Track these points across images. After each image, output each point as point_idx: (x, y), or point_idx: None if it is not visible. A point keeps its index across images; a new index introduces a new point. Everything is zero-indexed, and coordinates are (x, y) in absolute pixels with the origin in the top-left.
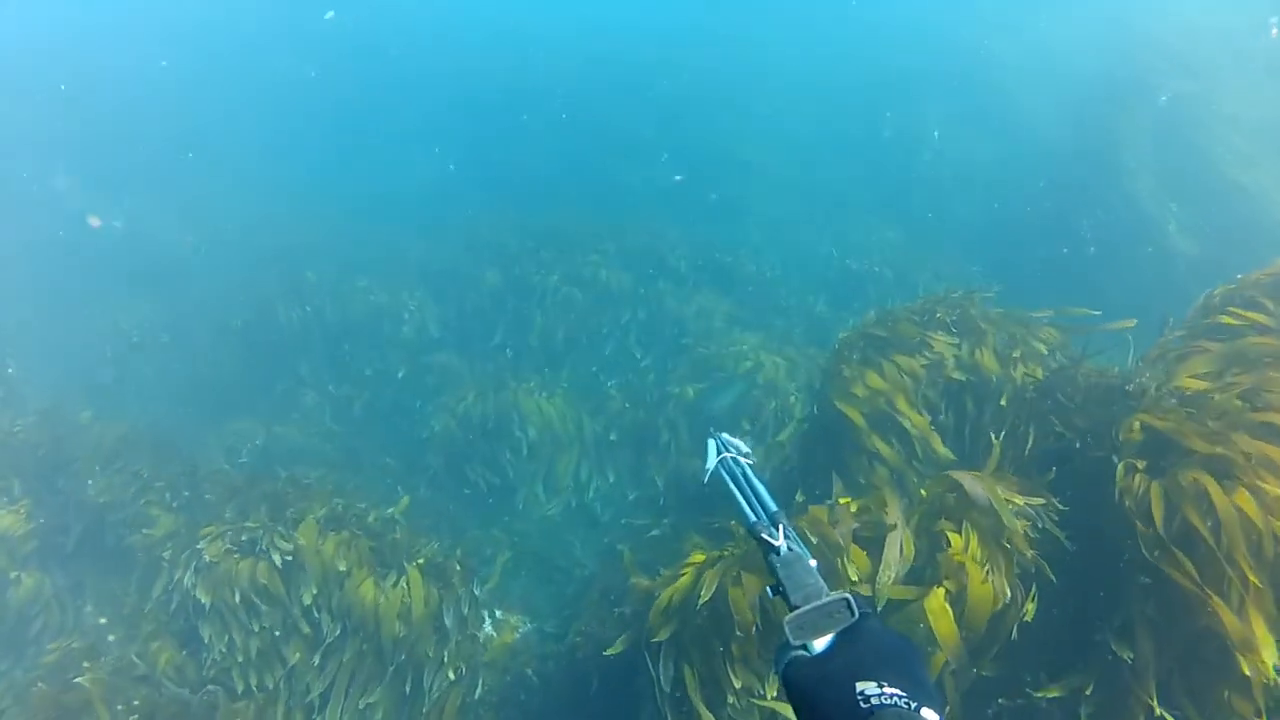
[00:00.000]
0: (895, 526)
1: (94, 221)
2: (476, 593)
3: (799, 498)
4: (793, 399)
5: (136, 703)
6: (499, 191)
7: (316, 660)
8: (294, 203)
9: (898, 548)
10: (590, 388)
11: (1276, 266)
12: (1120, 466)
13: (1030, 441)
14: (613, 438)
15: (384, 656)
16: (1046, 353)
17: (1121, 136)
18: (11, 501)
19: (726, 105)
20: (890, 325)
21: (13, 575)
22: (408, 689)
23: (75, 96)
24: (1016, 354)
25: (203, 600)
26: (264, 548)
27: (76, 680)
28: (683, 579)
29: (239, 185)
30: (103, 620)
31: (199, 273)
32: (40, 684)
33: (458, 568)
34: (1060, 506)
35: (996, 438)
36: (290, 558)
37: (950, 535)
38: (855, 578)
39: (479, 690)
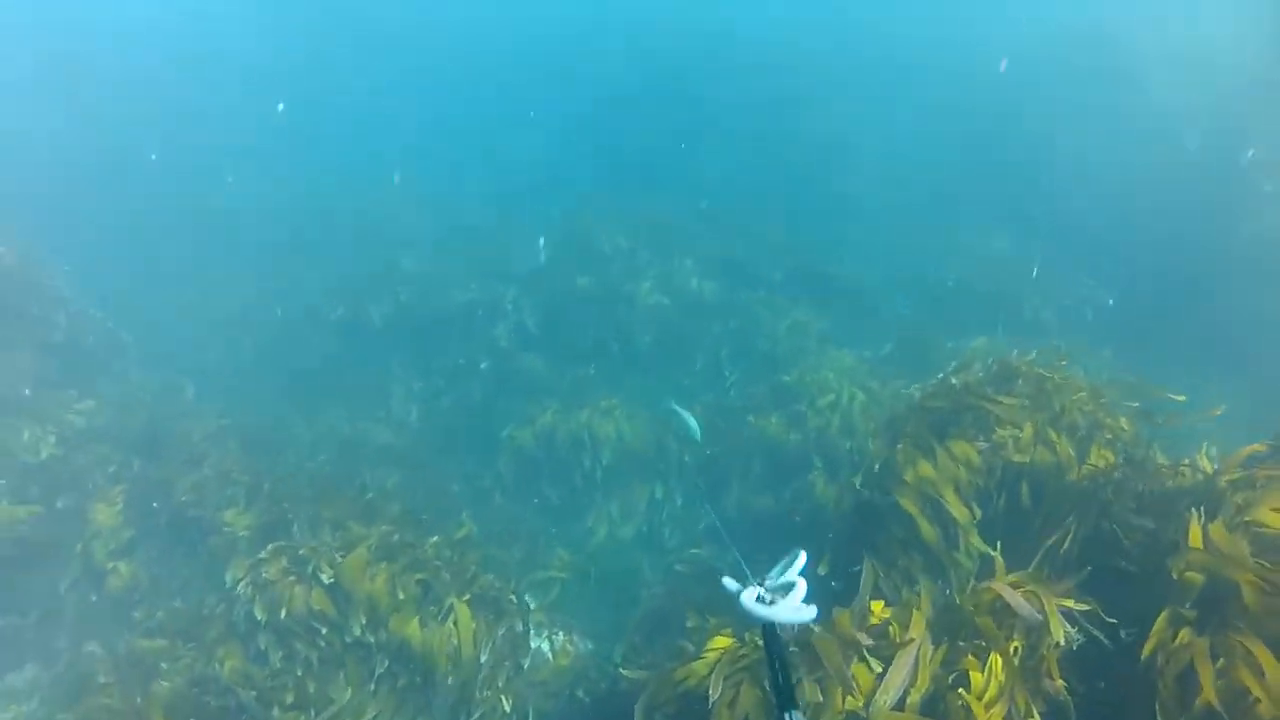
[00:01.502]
0: (911, 642)
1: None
2: (528, 626)
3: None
4: (869, 441)
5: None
6: (601, 181)
7: (371, 686)
8: (394, 188)
9: (904, 671)
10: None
11: None
12: (1162, 616)
13: (1078, 544)
14: (687, 460)
15: (434, 687)
16: (1124, 436)
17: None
18: (109, 494)
19: (838, 100)
20: (952, 396)
21: (110, 565)
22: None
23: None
24: (1085, 437)
25: (259, 617)
26: (316, 571)
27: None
28: (698, 665)
29: (344, 167)
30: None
31: (303, 252)
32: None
33: (512, 599)
34: (1105, 618)
35: (1047, 537)
36: (337, 585)
37: (972, 673)
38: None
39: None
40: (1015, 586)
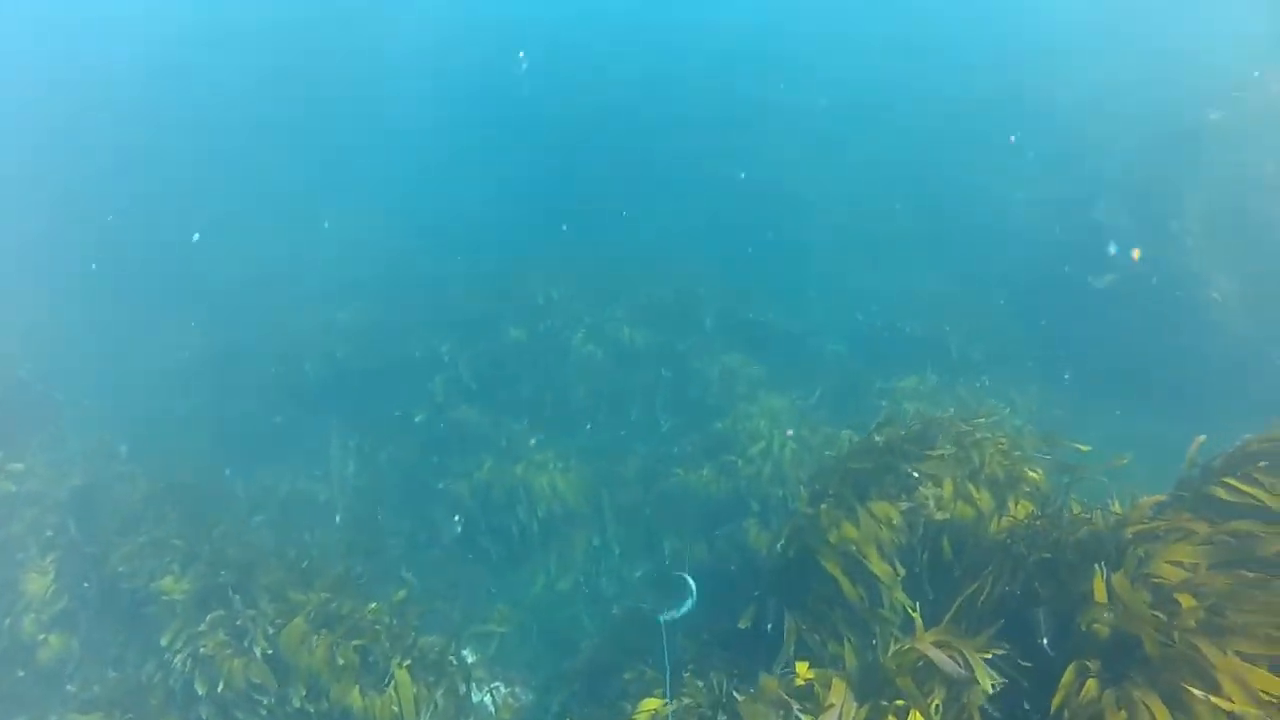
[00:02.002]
0: (831, 708)
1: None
2: (470, 687)
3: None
4: (801, 489)
5: None
6: (535, 230)
7: None
8: (331, 234)
9: None
10: (607, 457)
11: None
12: (1069, 670)
13: (995, 596)
14: (620, 513)
15: None
16: (1041, 488)
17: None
18: (41, 564)
19: (768, 149)
20: (875, 456)
21: (41, 637)
22: None
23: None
24: (1003, 489)
25: (199, 690)
26: (255, 642)
27: None
28: None
29: (278, 218)
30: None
31: (238, 309)
32: None
33: (452, 661)
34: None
35: (966, 589)
36: (276, 655)
37: None
38: None
39: None
40: (938, 643)
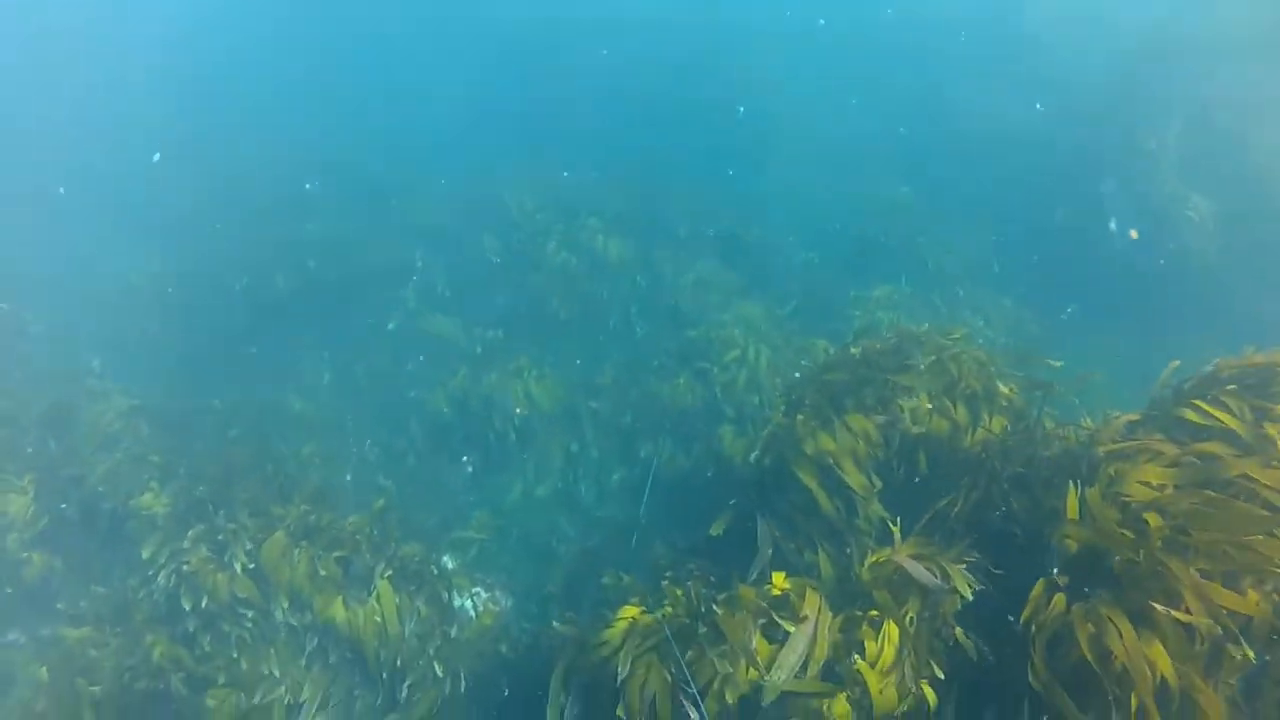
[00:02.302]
0: (805, 620)
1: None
2: (451, 595)
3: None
4: (776, 396)
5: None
6: (509, 145)
7: (303, 662)
8: (298, 149)
9: (798, 650)
10: (582, 364)
11: (1251, 357)
12: (1039, 584)
13: (968, 509)
14: (596, 421)
15: (365, 661)
16: (1014, 403)
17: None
18: (19, 484)
19: (744, 66)
20: (852, 368)
21: (24, 555)
22: (387, 689)
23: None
24: (979, 404)
25: (185, 606)
26: (235, 557)
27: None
28: (610, 633)
29: (244, 132)
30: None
31: (205, 223)
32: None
33: (434, 570)
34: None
35: (941, 501)
36: (259, 569)
37: (867, 642)
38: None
39: (463, 684)
40: (914, 556)
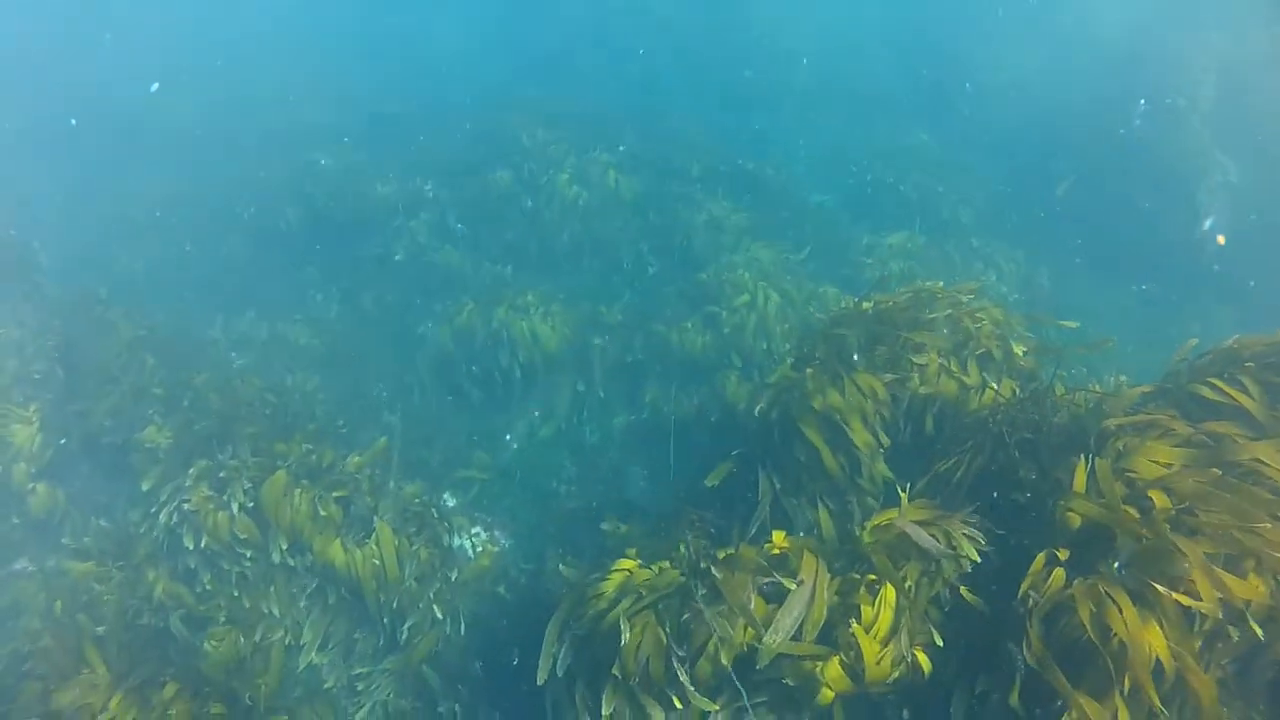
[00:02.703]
0: (803, 585)
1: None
2: (452, 538)
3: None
4: (785, 346)
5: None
6: (520, 76)
7: (303, 603)
8: (308, 77)
9: (794, 614)
10: (591, 303)
11: (1275, 336)
12: (1040, 557)
13: (972, 473)
14: (603, 361)
15: (364, 603)
16: (1026, 366)
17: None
18: (25, 412)
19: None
20: (865, 325)
21: (30, 486)
22: (387, 631)
23: None
24: (992, 366)
25: (187, 544)
26: (234, 497)
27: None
28: (606, 585)
29: (252, 58)
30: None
31: (215, 151)
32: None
33: (434, 513)
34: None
35: (944, 462)
36: (258, 508)
37: (863, 607)
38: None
39: (462, 626)
40: (919, 522)
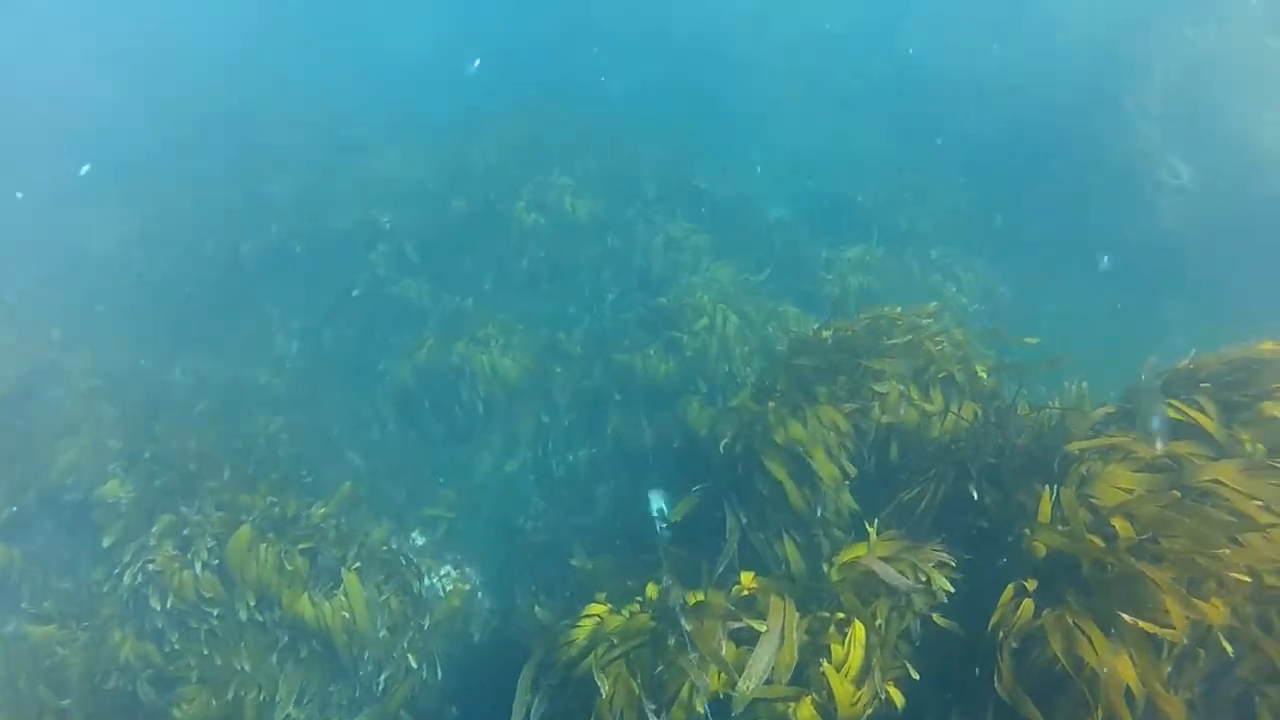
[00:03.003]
0: (770, 631)
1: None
2: (422, 587)
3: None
4: (746, 368)
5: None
6: (472, 97)
7: (274, 659)
8: (258, 104)
9: (765, 660)
10: (551, 332)
11: (1230, 353)
12: (1009, 589)
13: (939, 500)
14: (566, 392)
15: (337, 656)
16: (987, 386)
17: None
18: None
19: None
20: (824, 355)
21: None
22: (363, 683)
23: None
24: (953, 390)
25: (154, 605)
26: (199, 555)
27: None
28: (578, 633)
29: (203, 87)
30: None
31: (166, 180)
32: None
33: (403, 560)
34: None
35: (908, 492)
36: (223, 564)
37: (833, 645)
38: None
39: (438, 671)
40: (887, 556)
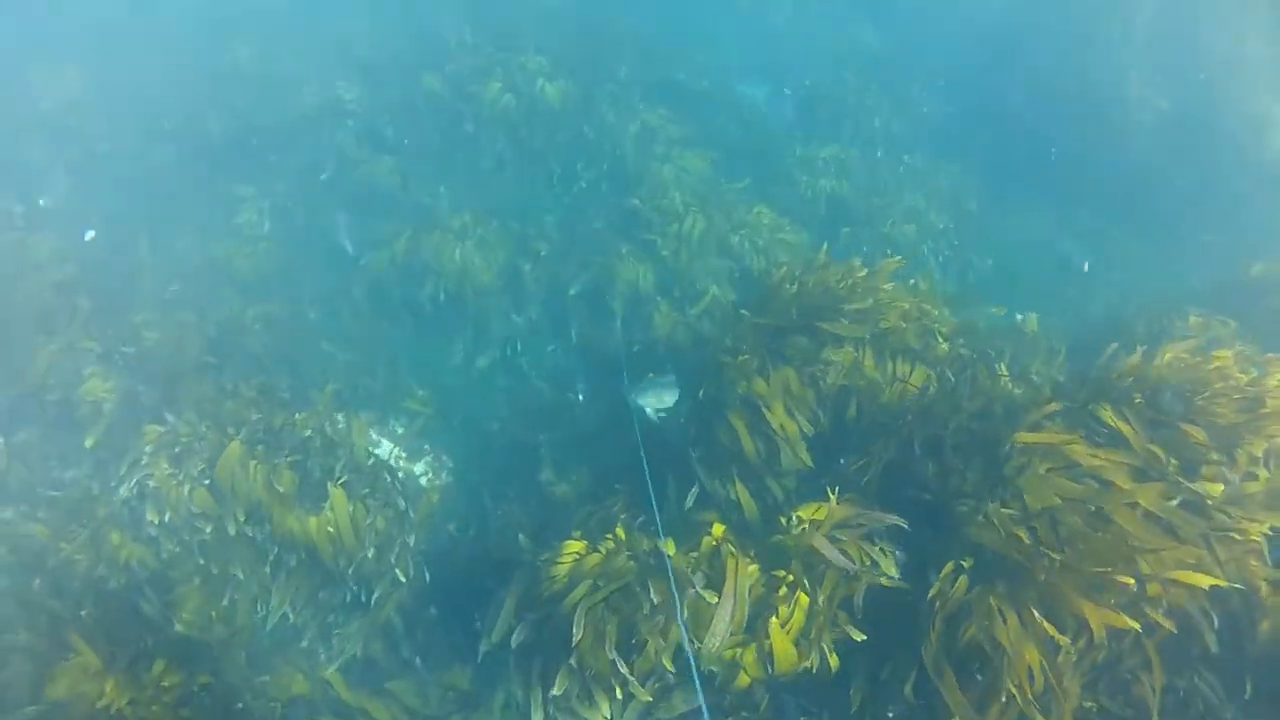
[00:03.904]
0: (727, 594)
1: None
2: (409, 506)
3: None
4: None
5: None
6: None
7: (266, 568)
8: None
9: (725, 621)
10: (522, 225)
11: (1180, 357)
12: (949, 565)
13: (879, 471)
14: (537, 292)
15: (325, 566)
16: (944, 353)
17: None
18: None
19: None
20: (786, 313)
21: None
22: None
23: None
24: (909, 356)
25: (151, 519)
26: (190, 473)
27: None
28: (558, 570)
29: None
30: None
31: (130, 43)
32: None
33: (387, 477)
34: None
35: (857, 461)
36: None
37: (781, 607)
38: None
39: (426, 575)
40: (841, 520)
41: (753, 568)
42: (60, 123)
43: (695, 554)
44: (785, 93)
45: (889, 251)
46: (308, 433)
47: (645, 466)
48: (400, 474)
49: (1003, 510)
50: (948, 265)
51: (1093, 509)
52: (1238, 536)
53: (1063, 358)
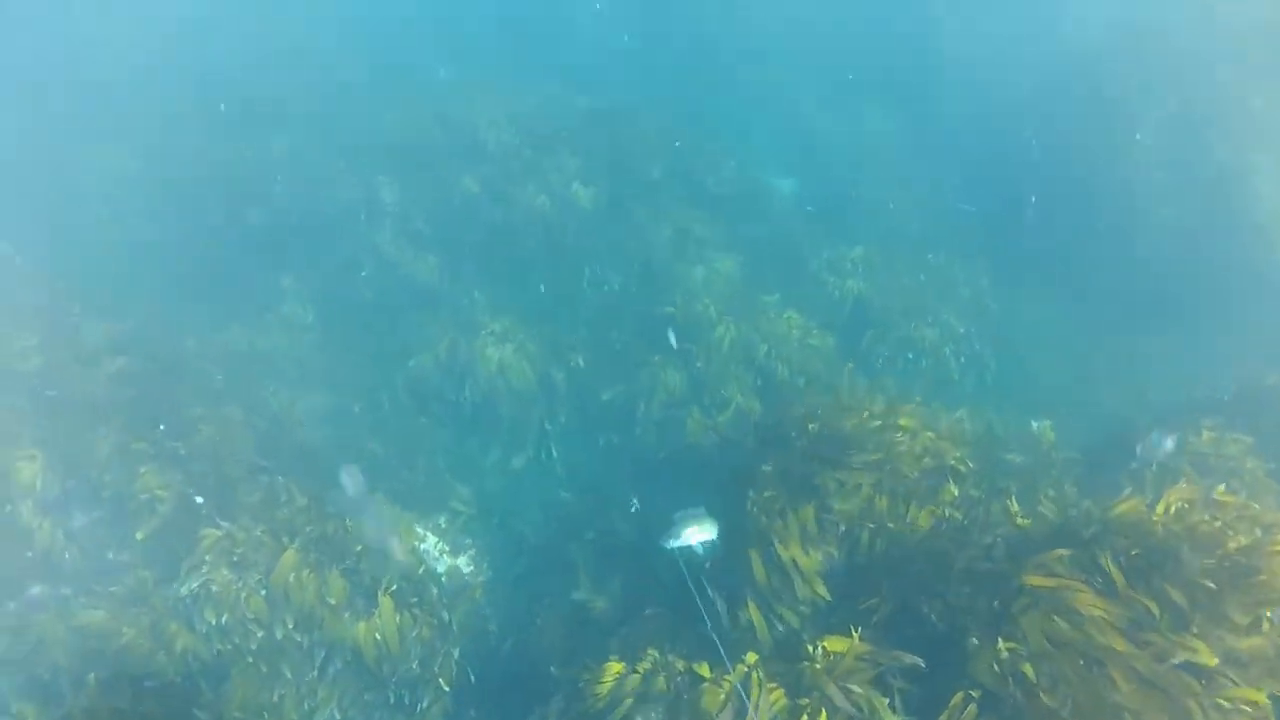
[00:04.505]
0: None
1: None
2: (452, 617)
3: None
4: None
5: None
6: (481, 62)
7: (314, 673)
8: (266, 53)
9: None
10: (555, 329)
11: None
12: (958, 696)
13: (890, 610)
14: (571, 396)
15: (370, 669)
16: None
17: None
18: (26, 452)
19: None
20: (798, 460)
21: (36, 523)
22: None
23: None
24: (922, 495)
25: (209, 619)
26: (248, 581)
27: None
28: (601, 688)
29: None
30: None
31: (178, 136)
32: None
33: (434, 591)
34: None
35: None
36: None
37: None
38: None
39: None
40: (860, 655)
41: (777, 693)
42: (118, 219)
43: (728, 678)
44: (808, 209)
45: (910, 356)
46: (359, 548)
47: (698, 601)
48: (444, 573)
49: (1006, 646)
50: (967, 367)
51: (1083, 662)
52: (1226, 703)
53: (1074, 483)
